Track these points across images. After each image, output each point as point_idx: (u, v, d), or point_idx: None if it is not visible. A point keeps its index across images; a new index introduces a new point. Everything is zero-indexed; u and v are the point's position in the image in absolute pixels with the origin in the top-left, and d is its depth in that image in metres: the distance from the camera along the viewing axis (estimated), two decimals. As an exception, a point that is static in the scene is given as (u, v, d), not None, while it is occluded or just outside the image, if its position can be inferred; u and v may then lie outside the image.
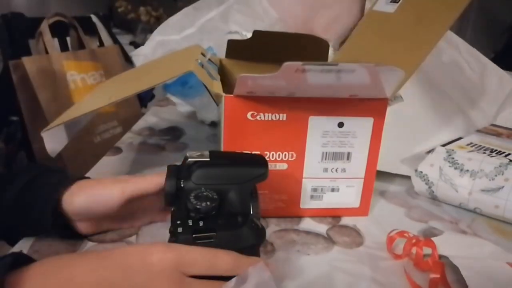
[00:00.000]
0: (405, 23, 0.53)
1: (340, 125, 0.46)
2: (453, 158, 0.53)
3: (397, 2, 0.55)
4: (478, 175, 0.50)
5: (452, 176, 0.52)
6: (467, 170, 0.51)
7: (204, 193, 0.34)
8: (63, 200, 0.39)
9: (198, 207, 0.33)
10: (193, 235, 0.32)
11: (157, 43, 0.89)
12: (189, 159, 0.37)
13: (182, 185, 0.36)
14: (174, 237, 0.32)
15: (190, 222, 0.33)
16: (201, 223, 0.33)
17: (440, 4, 0.50)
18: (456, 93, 0.73)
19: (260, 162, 0.38)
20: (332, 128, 0.46)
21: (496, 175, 0.49)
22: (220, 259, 0.32)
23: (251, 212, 0.36)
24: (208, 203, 0.34)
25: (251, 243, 0.34)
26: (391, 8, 0.56)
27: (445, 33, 0.47)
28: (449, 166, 0.53)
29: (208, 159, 0.37)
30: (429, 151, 0.56)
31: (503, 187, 0.49)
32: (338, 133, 0.46)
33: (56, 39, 1.23)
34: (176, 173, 0.37)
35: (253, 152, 0.45)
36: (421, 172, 0.55)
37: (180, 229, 0.33)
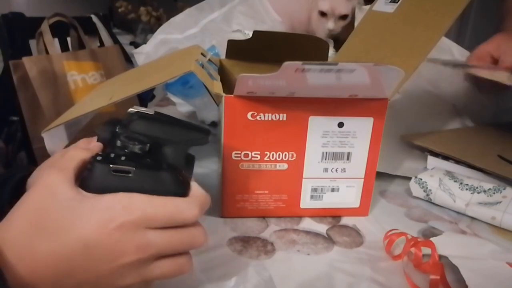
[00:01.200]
0: (404, 23, 0.53)
1: (340, 125, 0.46)
2: (452, 174, 0.54)
3: (396, 2, 0.55)
4: (477, 190, 0.51)
5: (452, 187, 0.53)
6: (467, 184, 0.52)
7: (137, 136, 0.33)
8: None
9: (125, 144, 0.32)
10: (111, 165, 0.31)
11: (159, 41, 0.89)
12: (131, 109, 0.36)
13: (117, 131, 0.34)
14: (90, 165, 0.31)
15: (112, 155, 0.32)
16: (123, 158, 0.31)
17: (439, 4, 0.50)
18: (452, 95, 0.74)
19: (201, 128, 0.37)
20: (332, 128, 0.46)
21: (494, 193, 0.50)
22: (181, 208, 0.30)
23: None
24: (137, 143, 0.32)
25: (169, 189, 0.31)
26: (390, 8, 0.56)
27: (444, 33, 0.48)
28: (449, 179, 0.54)
29: (151, 113, 0.36)
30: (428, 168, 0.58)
31: (501, 202, 0.49)
32: (338, 133, 0.46)
33: (56, 39, 1.22)
34: (115, 121, 0.35)
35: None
36: (421, 179, 0.55)
37: (99, 158, 0.31)
